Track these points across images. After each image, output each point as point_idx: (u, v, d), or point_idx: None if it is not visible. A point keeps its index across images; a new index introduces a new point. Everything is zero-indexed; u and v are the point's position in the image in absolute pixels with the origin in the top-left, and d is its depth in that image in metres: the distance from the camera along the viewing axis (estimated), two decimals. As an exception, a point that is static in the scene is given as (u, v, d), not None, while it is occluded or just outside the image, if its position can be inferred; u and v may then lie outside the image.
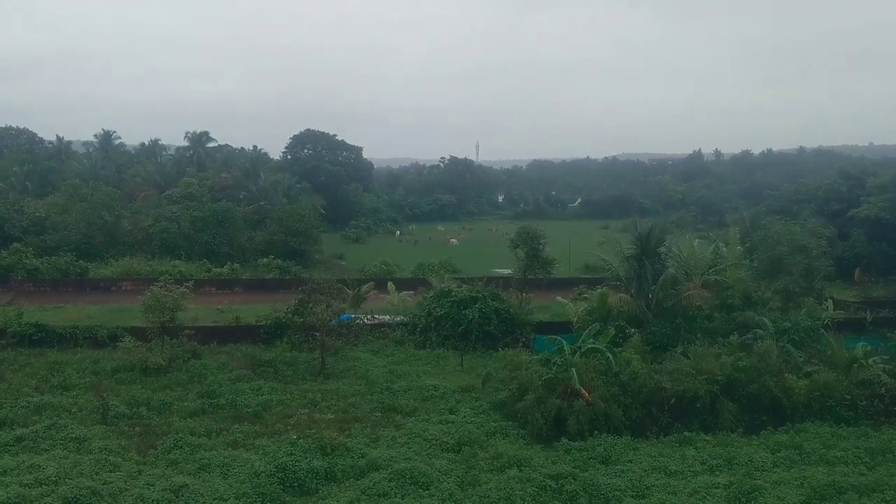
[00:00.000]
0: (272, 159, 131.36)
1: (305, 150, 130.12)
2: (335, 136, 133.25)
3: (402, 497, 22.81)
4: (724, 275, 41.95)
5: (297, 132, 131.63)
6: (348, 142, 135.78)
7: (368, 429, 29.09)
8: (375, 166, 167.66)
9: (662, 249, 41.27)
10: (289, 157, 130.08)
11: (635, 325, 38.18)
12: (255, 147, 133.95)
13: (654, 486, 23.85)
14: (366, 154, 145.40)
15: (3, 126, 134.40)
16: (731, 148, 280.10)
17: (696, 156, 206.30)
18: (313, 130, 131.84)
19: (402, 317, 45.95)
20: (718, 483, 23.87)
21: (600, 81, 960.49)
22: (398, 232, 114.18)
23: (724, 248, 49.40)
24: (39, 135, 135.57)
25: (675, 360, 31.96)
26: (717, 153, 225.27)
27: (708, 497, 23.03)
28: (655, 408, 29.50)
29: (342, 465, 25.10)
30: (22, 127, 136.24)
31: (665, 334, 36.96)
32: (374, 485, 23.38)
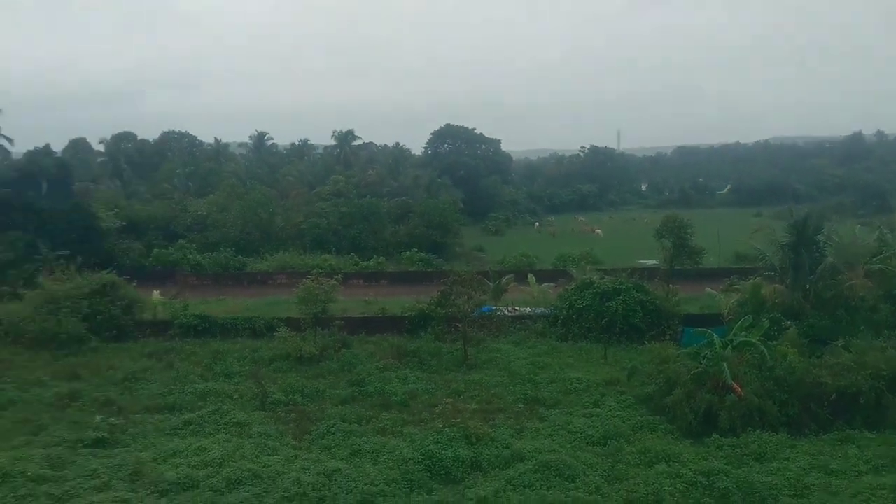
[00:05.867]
0: (414, 155, 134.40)
1: (445, 145, 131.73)
2: (474, 129, 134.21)
3: (548, 489, 22.72)
4: (889, 263, 39.13)
5: (437, 128, 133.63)
6: (487, 135, 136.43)
7: (512, 420, 29.18)
8: (514, 158, 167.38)
9: (821, 237, 39.12)
10: (429, 152, 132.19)
11: (791, 317, 36.34)
12: (397, 144, 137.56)
13: (813, 485, 22.59)
14: (504, 146, 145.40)
15: (168, 130, 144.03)
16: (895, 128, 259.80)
17: (856, 137, 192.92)
18: (453, 125, 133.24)
19: (542, 309, 45.68)
20: (885, 484, 22.29)
21: (748, 63, 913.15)
22: (537, 223, 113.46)
23: (890, 235, 46.01)
24: (199, 138, 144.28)
25: (835, 354, 30.18)
26: (880, 134, 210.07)
27: (873, 498, 21.55)
28: (814, 404, 27.94)
29: (487, 454, 25.28)
30: (184, 131, 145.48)
31: (824, 327, 34.98)
32: (519, 475, 23.45)
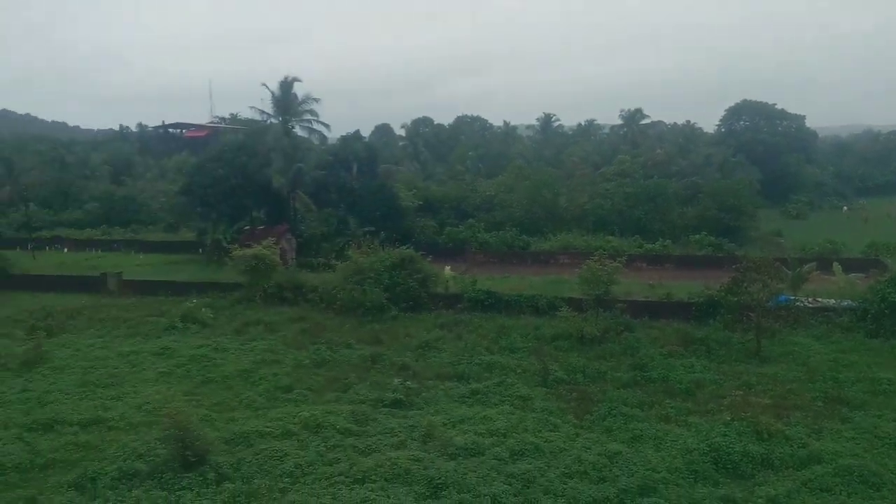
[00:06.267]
0: (706, 133, 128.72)
1: (741, 122, 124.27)
2: (774, 105, 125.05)
3: (849, 495, 20.95)
4: None
5: (732, 104, 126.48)
6: (789, 111, 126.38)
7: (809, 418, 27.10)
8: (820, 135, 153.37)
9: None
10: (723, 130, 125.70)
11: None
12: (687, 122, 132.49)
13: None
14: (810, 122, 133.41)
15: (461, 115, 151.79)
16: None
17: None
18: (750, 101, 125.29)
19: (849, 301, 41.60)
20: None
21: None
22: (845, 207, 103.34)
23: None
24: (490, 121, 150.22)
25: None
26: None
27: None
28: None
29: (780, 452, 23.81)
30: (475, 115, 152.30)
31: None
32: (816, 478, 21.86)
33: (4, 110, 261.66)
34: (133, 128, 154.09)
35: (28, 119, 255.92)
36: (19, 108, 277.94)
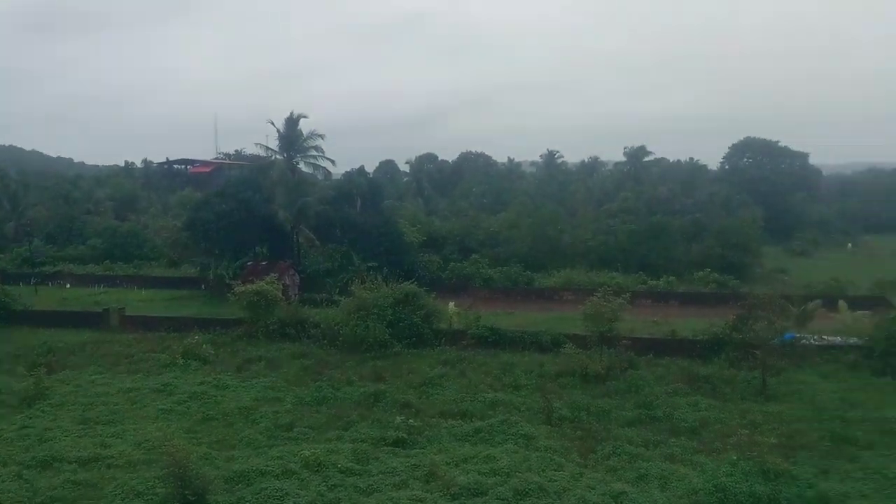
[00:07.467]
0: (709, 171, 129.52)
1: (745, 160, 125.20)
2: (777, 142, 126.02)
3: (858, 539, 20.60)
4: None
5: (735, 141, 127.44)
6: (793, 148, 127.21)
7: (816, 458, 26.87)
8: (825, 173, 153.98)
9: None
10: (726, 167, 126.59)
11: None
12: (691, 159, 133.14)
13: None
14: (814, 160, 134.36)
15: (465, 151, 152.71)
16: None
17: None
18: (753, 138, 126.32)
19: (855, 339, 41.41)
20: None
21: None
22: (850, 245, 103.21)
23: None
24: (493, 157, 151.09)
25: None
26: None
27: None
28: None
29: (787, 493, 23.52)
30: (479, 151, 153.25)
31: None
32: (824, 520, 21.53)
33: (12, 146, 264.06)
34: (138, 164, 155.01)
35: (34, 155, 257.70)
36: (26, 145, 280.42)
